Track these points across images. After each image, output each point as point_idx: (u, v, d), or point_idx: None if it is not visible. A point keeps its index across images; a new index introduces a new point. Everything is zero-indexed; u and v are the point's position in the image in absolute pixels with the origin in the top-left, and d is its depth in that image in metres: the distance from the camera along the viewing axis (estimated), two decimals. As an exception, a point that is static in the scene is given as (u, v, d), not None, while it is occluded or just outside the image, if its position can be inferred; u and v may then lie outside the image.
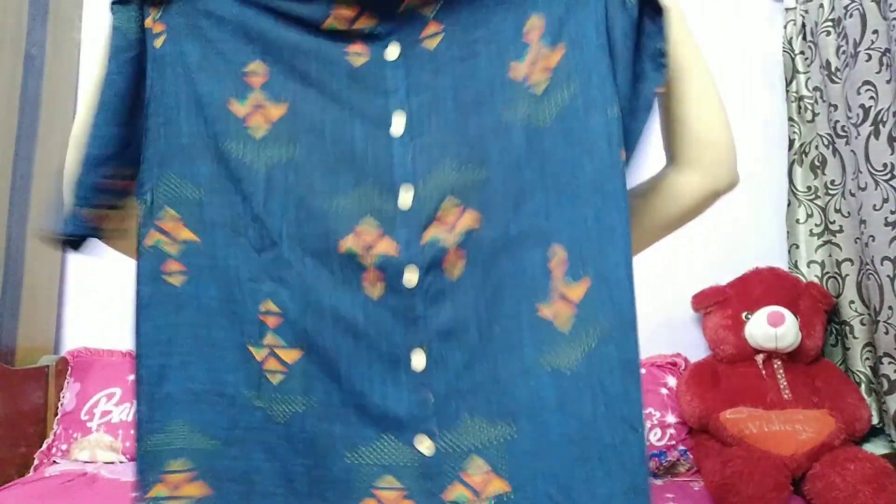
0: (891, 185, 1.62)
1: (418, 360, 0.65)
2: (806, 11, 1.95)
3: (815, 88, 1.93)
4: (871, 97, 1.67)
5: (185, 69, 0.70)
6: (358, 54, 0.70)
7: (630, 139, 0.69)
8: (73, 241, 0.71)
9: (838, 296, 1.85)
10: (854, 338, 1.80)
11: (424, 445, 0.64)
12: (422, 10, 0.70)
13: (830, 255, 1.89)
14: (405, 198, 0.67)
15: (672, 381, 1.86)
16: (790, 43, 1.99)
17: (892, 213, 1.62)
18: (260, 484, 0.67)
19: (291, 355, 0.67)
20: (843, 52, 1.77)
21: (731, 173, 0.77)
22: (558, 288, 0.66)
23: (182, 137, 0.70)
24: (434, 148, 0.68)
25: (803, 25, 1.96)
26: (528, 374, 0.65)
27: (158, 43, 0.71)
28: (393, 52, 0.69)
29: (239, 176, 0.68)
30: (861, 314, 1.79)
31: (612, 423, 0.65)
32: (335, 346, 0.66)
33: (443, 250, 0.66)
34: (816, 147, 1.93)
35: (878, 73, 1.66)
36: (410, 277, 0.65)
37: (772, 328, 1.73)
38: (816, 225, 1.93)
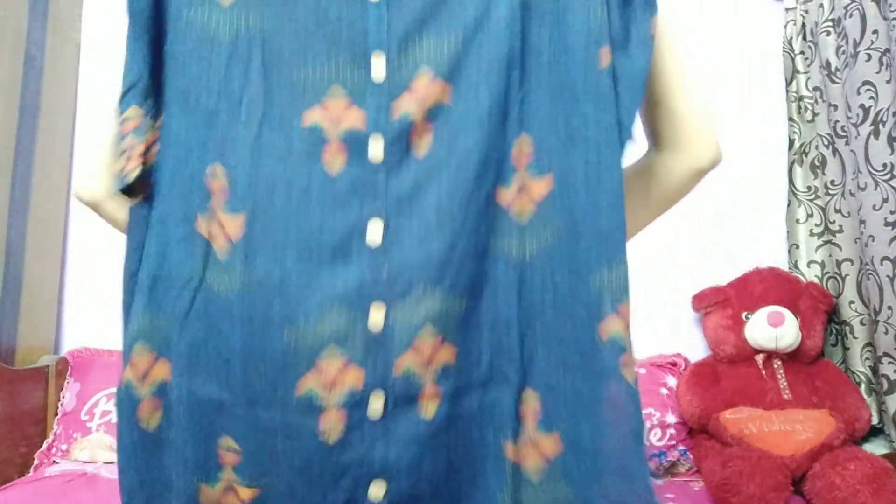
0: (891, 185, 1.62)
1: (374, 232, 0.62)
2: (806, 11, 1.95)
3: (815, 88, 1.93)
4: (871, 97, 1.67)
5: None
6: None
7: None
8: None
9: (838, 296, 1.85)
10: (854, 338, 1.80)
11: (376, 317, 0.62)
12: None
13: (830, 255, 1.89)
14: (377, 67, 0.64)
15: (672, 381, 1.86)
16: (790, 43, 1.99)
17: (892, 213, 1.62)
18: (204, 361, 0.64)
19: (234, 223, 0.63)
20: (843, 52, 1.77)
21: (714, 150, 0.74)
22: (523, 181, 0.65)
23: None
24: (411, 13, 0.64)
25: (803, 25, 1.96)
26: (484, 257, 0.64)
27: None
28: None
29: (202, 44, 0.65)
30: (861, 314, 1.79)
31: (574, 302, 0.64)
32: (284, 217, 0.62)
33: (411, 124, 0.63)
34: (816, 147, 1.93)
35: (878, 73, 1.66)
36: (376, 151, 0.63)
37: (772, 328, 1.73)
38: (816, 225, 1.93)
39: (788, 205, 1.97)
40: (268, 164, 0.63)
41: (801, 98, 1.97)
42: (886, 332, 1.65)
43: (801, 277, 1.90)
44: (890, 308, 1.63)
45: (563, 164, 0.65)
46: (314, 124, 0.63)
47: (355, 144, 0.63)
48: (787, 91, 2.00)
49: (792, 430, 1.61)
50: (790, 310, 1.76)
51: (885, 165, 1.63)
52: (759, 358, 1.78)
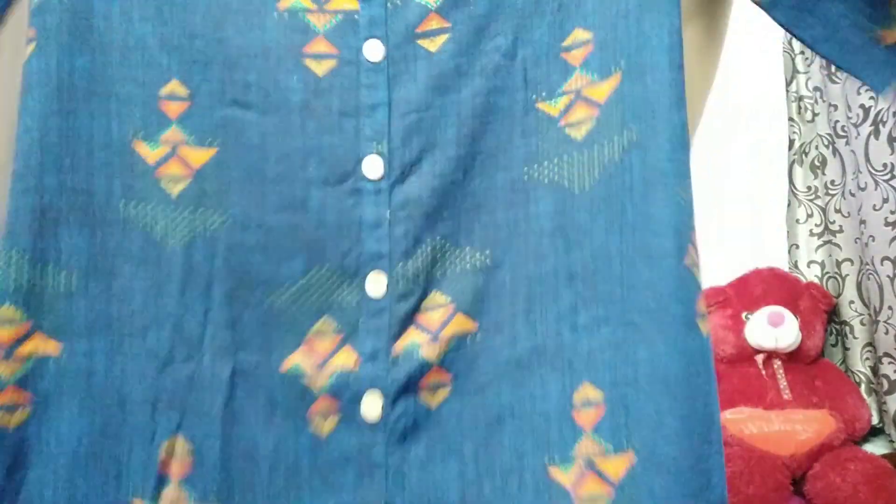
0: (891, 185, 1.62)
1: None
2: (806, 11, 1.95)
3: (815, 88, 1.93)
4: (871, 97, 1.67)
5: (63, 92, 0.51)
6: (321, 56, 0.50)
7: None
8: None
9: (838, 296, 1.85)
10: (854, 338, 1.79)
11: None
12: None
13: (830, 255, 1.89)
14: (375, 288, 0.49)
15: (672, 381, 1.85)
16: (790, 43, 1.99)
17: (892, 213, 1.62)
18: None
19: None
20: (843, 52, 1.77)
21: None
22: (585, 442, 0.46)
23: (45, 194, 0.47)
24: (421, 211, 0.50)
25: (803, 25, 1.96)
26: None
27: (26, 53, 0.52)
28: (374, 50, 0.50)
29: (143, 253, 0.49)
30: (861, 314, 1.79)
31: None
32: (268, 499, 0.47)
33: (422, 366, 0.49)
34: (816, 147, 1.93)
35: (878, 73, 1.66)
36: (371, 407, 0.48)
37: (772, 328, 1.73)
38: (816, 225, 1.92)
39: (788, 205, 1.97)
40: (244, 433, 0.48)
41: (801, 98, 1.96)
42: (886, 332, 1.65)
43: (801, 277, 1.90)
44: (890, 308, 1.63)
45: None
46: (295, 369, 0.49)
47: (346, 398, 0.49)
48: (787, 91, 2.00)
49: (792, 430, 1.61)
50: (790, 310, 1.76)
51: (885, 165, 1.63)
52: (759, 358, 1.78)
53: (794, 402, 1.71)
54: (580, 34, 0.51)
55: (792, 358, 1.77)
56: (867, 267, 1.69)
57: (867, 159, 1.67)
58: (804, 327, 1.76)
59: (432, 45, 0.50)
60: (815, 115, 1.93)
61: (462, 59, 0.51)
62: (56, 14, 0.54)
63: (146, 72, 0.50)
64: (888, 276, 1.63)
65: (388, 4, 0.50)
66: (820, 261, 1.92)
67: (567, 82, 0.51)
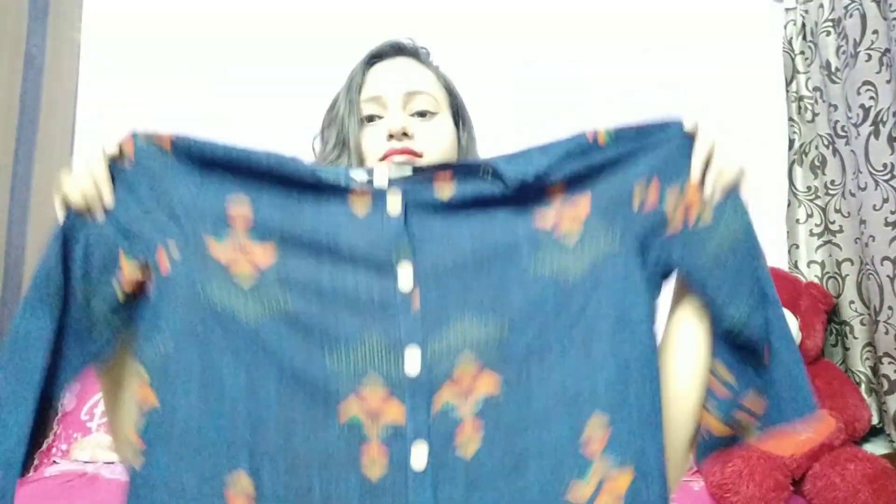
0: (891, 185, 1.62)
1: None
2: (806, 11, 1.95)
3: (815, 88, 1.93)
4: (871, 97, 1.67)
5: (158, 202, 0.64)
6: (360, 200, 0.65)
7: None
8: None
9: (838, 296, 1.85)
10: (854, 338, 1.80)
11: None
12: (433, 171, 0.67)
13: (830, 255, 1.89)
14: (412, 361, 0.61)
15: (672, 381, 1.85)
16: (790, 43, 1.99)
17: (892, 213, 1.62)
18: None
19: None
20: (843, 52, 1.77)
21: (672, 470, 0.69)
22: (597, 465, 0.60)
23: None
24: (447, 304, 0.63)
25: (803, 25, 1.96)
26: None
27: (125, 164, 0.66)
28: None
29: (224, 327, 0.61)
30: (861, 314, 1.79)
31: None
32: None
33: (456, 421, 0.60)
34: (816, 147, 1.93)
35: (878, 73, 1.66)
36: (419, 457, 0.59)
37: (772, 328, 1.73)
38: (816, 225, 1.93)
39: (788, 205, 1.97)
40: (303, 472, 0.59)
41: (801, 98, 1.97)
42: (886, 332, 1.65)
43: (801, 277, 1.90)
44: (890, 308, 1.63)
45: (642, 452, 0.61)
46: (353, 419, 0.60)
47: (397, 446, 0.59)
48: (787, 91, 2.00)
49: (792, 430, 1.61)
50: (790, 310, 1.76)
51: (885, 165, 1.63)
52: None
53: (794, 402, 1.71)
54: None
55: (792, 358, 1.78)
56: (867, 267, 1.69)
57: (867, 159, 1.67)
58: (804, 327, 1.77)
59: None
60: (815, 115, 1.94)
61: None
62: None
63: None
64: (888, 276, 1.63)
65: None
66: (820, 261, 1.92)
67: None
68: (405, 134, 0.78)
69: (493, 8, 2.08)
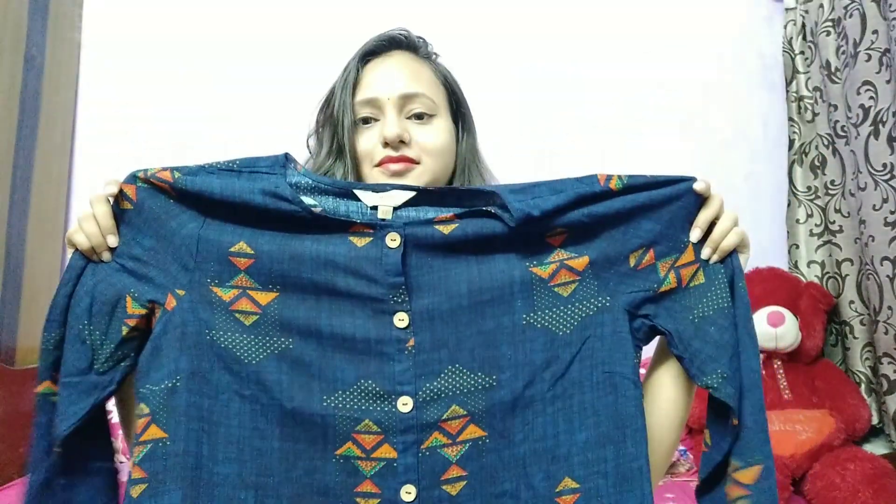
0: (890, 185, 1.62)
1: None
2: (806, 11, 1.95)
3: (815, 88, 1.93)
4: (871, 97, 1.67)
5: (161, 243, 0.66)
6: (362, 233, 0.66)
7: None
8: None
9: (838, 296, 1.85)
10: (854, 338, 1.80)
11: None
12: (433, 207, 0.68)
13: (830, 255, 1.89)
14: (404, 406, 0.64)
15: (672, 381, 1.85)
16: (790, 43, 1.99)
17: (892, 213, 1.62)
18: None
19: None
20: (843, 52, 1.77)
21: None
22: None
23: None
24: (440, 352, 0.65)
25: (803, 25, 1.96)
26: None
27: (126, 204, 0.67)
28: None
29: (227, 364, 0.64)
30: (861, 314, 1.79)
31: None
32: None
33: (444, 462, 0.64)
34: (816, 147, 1.93)
35: (877, 73, 1.66)
36: (408, 493, 0.63)
37: (772, 328, 1.73)
38: (816, 225, 1.93)
39: (788, 205, 1.97)
40: None
41: (801, 98, 1.97)
42: (886, 332, 1.65)
43: (801, 277, 1.90)
44: (890, 308, 1.63)
45: None
46: (349, 457, 0.63)
47: (388, 483, 0.63)
48: (787, 91, 2.00)
49: (792, 430, 1.61)
50: (790, 310, 1.76)
51: (885, 165, 1.63)
52: (759, 358, 1.78)
53: (794, 402, 1.71)
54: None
55: (792, 358, 1.78)
56: (867, 267, 1.69)
57: (867, 159, 1.67)
58: (804, 327, 1.77)
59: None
60: (815, 115, 1.94)
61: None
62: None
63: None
64: (888, 276, 1.63)
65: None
66: (820, 261, 1.92)
67: None
68: (402, 141, 0.77)
69: (493, 8, 2.08)
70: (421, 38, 0.88)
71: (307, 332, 0.64)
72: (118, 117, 2.05)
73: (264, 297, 0.65)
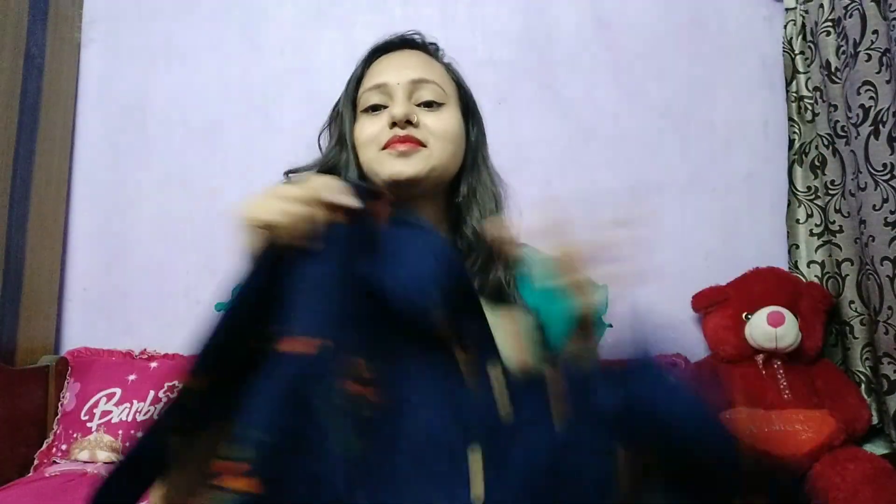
0: (891, 185, 1.62)
1: None
2: (806, 11, 1.95)
3: (815, 88, 1.93)
4: (871, 97, 1.67)
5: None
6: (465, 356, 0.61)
7: None
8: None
9: (838, 296, 1.85)
10: (854, 338, 1.80)
11: None
12: None
13: (830, 255, 1.89)
14: None
15: (672, 381, 1.85)
16: (790, 43, 1.99)
17: (892, 213, 1.62)
18: None
19: None
20: (843, 52, 1.77)
21: None
22: None
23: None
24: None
25: (803, 25, 1.96)
26: None
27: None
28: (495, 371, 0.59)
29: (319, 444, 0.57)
30: (861, 314, 1.79)
31: None
32: None
33: None
34: (816, 147, 1.93)
35: (878, 73, 1.66)
36: None
37: (772, 328, 1.73)
38: (816, 225, 1.92)
39: (788, 205, 1.97)
40: None
41: (801, 98, 1.97)
42: (886, 332, 1.65)
43: (801, 277, 1.90)
44: (890, 308, 1.63)
45: None
46: None
47: None
48: (787, 91, 2.00)
49: (792, 430, 1.61)
50: (790, 310, 1.76)
51: (885, 165, 1.63)
52: (759, 358, 1.78)
53: (794, 402, 1.71)
54: None
55: (792, 358, 1.78)
56: (867, 267, 1.69)
57: (867, 159, 1.67)
58: (804, 327, 1.77)
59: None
60: (815, 115, 1.94)
61: None
62: None
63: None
64: (888, 276, 1.63)
65: None
66: (820, 261, 1.92)
67: None
68: (409, 122, 0.75)
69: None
70: (434, 43, 0.88)
71: (394, 440, 0.60)
72: (118, 117, 2.05)
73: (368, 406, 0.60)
